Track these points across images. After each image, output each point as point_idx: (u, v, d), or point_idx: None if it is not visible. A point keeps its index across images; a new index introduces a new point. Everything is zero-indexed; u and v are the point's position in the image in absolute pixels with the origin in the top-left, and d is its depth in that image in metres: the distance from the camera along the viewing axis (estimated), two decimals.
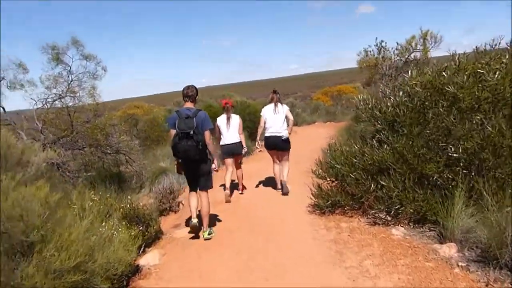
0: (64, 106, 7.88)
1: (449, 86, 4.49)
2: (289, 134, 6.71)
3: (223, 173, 6.98)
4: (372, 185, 4.72)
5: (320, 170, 5.46)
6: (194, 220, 4.92)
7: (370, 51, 9.12)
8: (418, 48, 9.30)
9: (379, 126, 5.03)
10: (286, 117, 6.59)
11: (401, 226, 4.62)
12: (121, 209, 4.49)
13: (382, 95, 7.31)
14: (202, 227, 5.03)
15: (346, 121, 17.68)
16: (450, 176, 4.35)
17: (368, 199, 4.76)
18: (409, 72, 5.20)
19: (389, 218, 4.76)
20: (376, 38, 8.78)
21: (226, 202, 6.56)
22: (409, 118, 4.78)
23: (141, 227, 4.69)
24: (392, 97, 5.08)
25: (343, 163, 5.11)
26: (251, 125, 13.14)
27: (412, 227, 4.61)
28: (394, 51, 8.77)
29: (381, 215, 4.81)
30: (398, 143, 4.59)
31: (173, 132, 4.65)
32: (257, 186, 7.78)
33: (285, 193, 6.67)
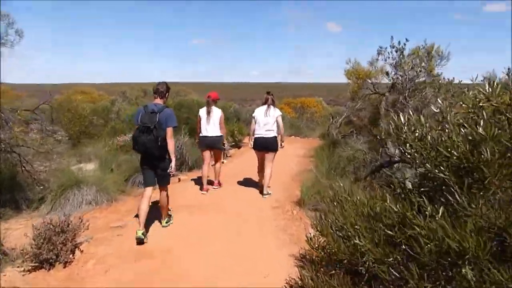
0: None
1: None
2: (282, 141, 6.78)
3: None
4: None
5: (321, 239, 3.06)
6: (139, 233, 4.50)
7: (388, 53, 6.74)
8: (423, 65, 7.18)
9: (443, 174, 2.72)
10: (276, 122, 6.50)
11: None
12: None
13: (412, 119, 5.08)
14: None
15: (313, 138, 15.55)
16: None
17: None
18: (486, 87, 2.97)
19: None
20: (392, 37, 6.44)
21: (202, 190, 6.80)
22: (501, 165, 2.52)
23: None
24: (465, 126, 2.80)
25: (365, 234, 2.74)
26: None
27: None
28: (412, 60, 6.48)
29: None
30: (491, 214, 2.29)
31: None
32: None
33: (265, 194, 6.58)
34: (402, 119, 3.23)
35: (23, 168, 6.16)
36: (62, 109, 11.76)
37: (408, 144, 3.06)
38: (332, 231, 3.02)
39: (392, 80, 5.93)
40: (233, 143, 13.32)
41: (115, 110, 13.34)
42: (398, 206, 2.79)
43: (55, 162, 7.29)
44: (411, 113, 3.48)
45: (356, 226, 2.82)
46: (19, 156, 6.09)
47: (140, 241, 4.45)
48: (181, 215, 5.47)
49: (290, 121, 20.19)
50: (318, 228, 3.10)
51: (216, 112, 6.65)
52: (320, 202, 5.59)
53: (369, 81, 8.92)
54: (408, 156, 3.04)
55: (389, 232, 2.68)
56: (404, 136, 3.07)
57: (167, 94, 4.87)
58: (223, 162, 7.95)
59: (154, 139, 4.43)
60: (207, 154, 6.78)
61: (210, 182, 7.04)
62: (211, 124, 6.60)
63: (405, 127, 3.15)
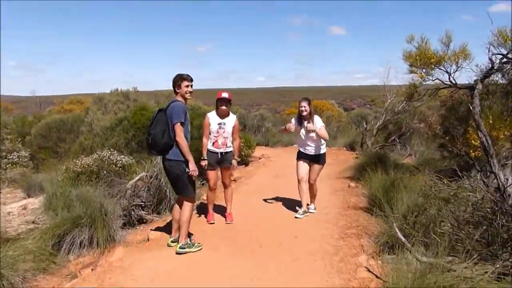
0: None
1: None
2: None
3: None
4: None
5: None
6: (169, 240, 4.09)
7: None
8: None
9: None
10: None
11: None
12: None
13: None
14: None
15: (339, 148, 12.24)
16: None
17: None
18: None
19: None
20: None
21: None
22: None
23: None
24: None
25: None
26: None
27: None
28: None
29: None
30: None
31: None
32: None
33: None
34: None
35: None
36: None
37: None
38: None
39: None
40: (238, 160, 10.06)
41: (88, 121, 10.17)
42: None
43: None
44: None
45: None
46: None
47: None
48: None
49: None
50: None
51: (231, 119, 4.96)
52: None
53: (443, 68, 5.63)
54: None
55: None
56: None
57: (175, 87, 3.92)
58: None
59: (156, 141, 3.75)
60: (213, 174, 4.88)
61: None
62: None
63: None
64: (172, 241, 4.05)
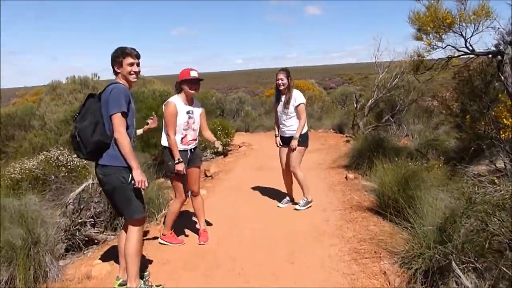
0: None
1: None
2: None
3: None
4: None
5: None
6: (116, 284, 2.88)
7: None
8: None
9: None
10: None
11: None
12: None
13: None
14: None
15: (325, 131, 11.17)
16: None
17: None
18: None
19: None
20: None
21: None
22: None
23: None
24: None
25: None
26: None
27: None
28: None
29: None
30: None
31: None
32: None
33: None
34: None
35: None
36: None
37: None
38: None
39: None
40: (216, 150, 8.83)
41: (40, 115, 8.77)
42: None
43: None
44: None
45: None
46: None
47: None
48: None
49: None
50: None
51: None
52: None
53: (457, 31, 4.54)
54: None
55: None
56: None
57: (114, 65, 2.70)
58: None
59: (84, 139, 2.56)
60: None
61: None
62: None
63: None
64: (119, 284, 2.86)
